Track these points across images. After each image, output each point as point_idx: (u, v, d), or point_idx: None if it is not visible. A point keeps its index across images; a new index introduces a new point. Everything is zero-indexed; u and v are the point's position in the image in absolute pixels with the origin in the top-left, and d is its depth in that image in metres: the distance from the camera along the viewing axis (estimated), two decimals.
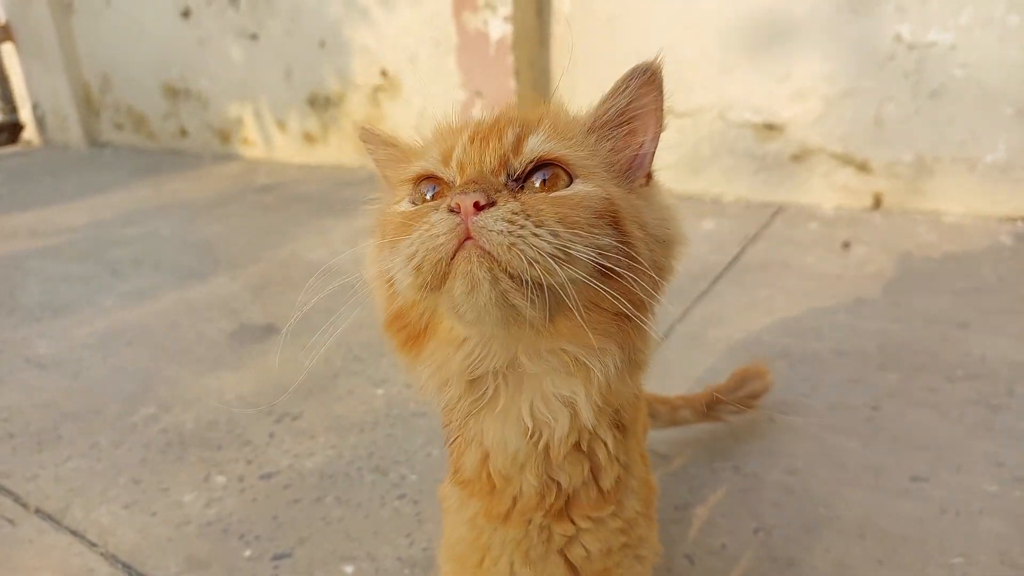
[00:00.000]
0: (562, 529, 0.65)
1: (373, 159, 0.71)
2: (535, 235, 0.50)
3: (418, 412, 1.46)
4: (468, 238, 0.50)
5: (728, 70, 2.73)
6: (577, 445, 0.61)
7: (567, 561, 0.67)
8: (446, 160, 0.59)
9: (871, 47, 2.45)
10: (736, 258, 2.22)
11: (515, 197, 0.53)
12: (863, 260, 2.14)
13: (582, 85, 3.07)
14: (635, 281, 0.54)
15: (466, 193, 0.51)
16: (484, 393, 0.59)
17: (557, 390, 0.57)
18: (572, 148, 0.59)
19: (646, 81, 0.60)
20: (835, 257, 2.18)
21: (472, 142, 0.58)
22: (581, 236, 0.52)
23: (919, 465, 1.20)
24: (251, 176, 3.88)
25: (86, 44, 4.90)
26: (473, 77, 3.14)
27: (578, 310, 0.52)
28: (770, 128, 2.72)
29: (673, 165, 2.94)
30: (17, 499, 1.26)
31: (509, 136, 0.57)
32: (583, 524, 0.65)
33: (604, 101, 0.63)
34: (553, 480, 0.63)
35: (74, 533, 1.16)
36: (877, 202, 2.60)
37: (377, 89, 3.65)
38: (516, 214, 0.50)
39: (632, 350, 0.57)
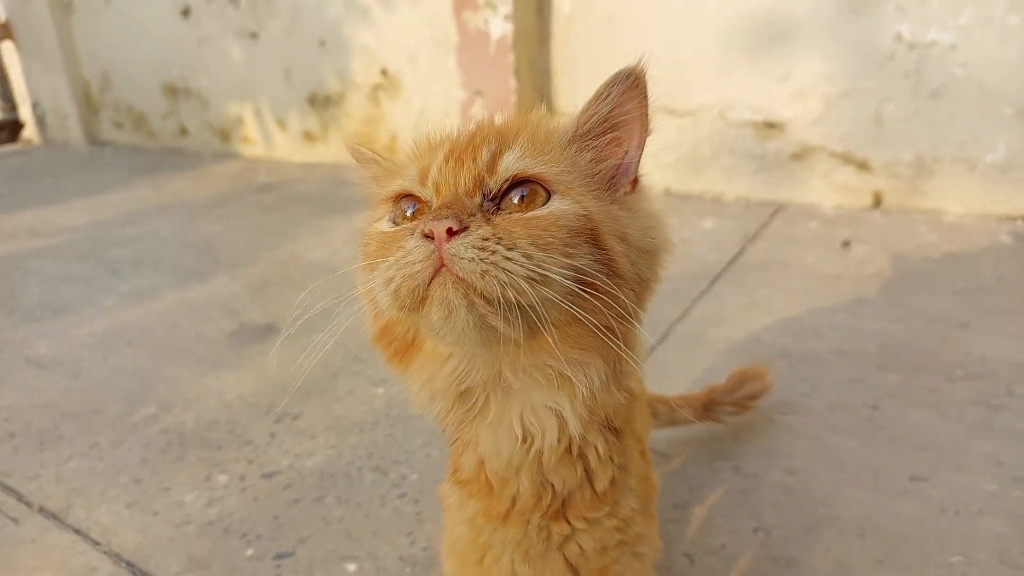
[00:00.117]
0: (559, 529, 0.66)
1: (362, 178, 0.71)
2: (507, 258, 0.50)
3: (418, 412, 1.46)
4: (443, 265, 0.51)
5: (728, 69, 2.73)
6: (569, 450, 0.62)
7: (566, 559, 0.68)
8: (423, 179, 0.59)
9: (871, 47, 2.46)
10: (736, 257, 2.22)
11: (488, 220, 0.53)
12: (863, 260, 2.14)
13: (582, 84, 3.08)
14: (616, 295, 0.55)
15: (439, 219, 0.51)
16: (474, 404, 0.60)
17: (544, 401, 0.58)
18: (549, 163, 0.58)
19: (629, 86, 0.59)
20: (835, 256, 2.19)
21: (447, 162, 0.57)
22: (555, 257, 0.52)
23: (919, 465, 1.20)
24: (251, 175, 3.88)
25: (86, 43, 4.89)
26: (473, 76, 3.14)
27: (557, 327, 0.53)
28: (770, 127, 2.72)
29: (673, 164, 2.94)
30: (20, 498, 1.26)
31: (484, 155, 0.57)
32: (578, 524, 0.66)
33: (586, 109, 0.61)
34: (548, 483, 0.63)
35: (77, 532, 1.17)
36: (877, 201, 2.60)
37: (377, 88, 3.65)
38: (487, 239, 0.51)
39: (617, 361, 0.57)
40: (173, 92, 4.60)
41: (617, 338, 0.55)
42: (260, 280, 2.29)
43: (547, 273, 0.51)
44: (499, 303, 0.50)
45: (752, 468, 1.22)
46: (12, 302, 2.22)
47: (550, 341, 0.54)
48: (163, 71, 4.56)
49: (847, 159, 2.62)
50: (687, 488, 1.18)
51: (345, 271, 0.63)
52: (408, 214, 0.60)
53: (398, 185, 0.62)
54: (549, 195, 0.56)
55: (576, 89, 3.11)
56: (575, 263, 0.53)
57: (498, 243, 0.51)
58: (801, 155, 2.70)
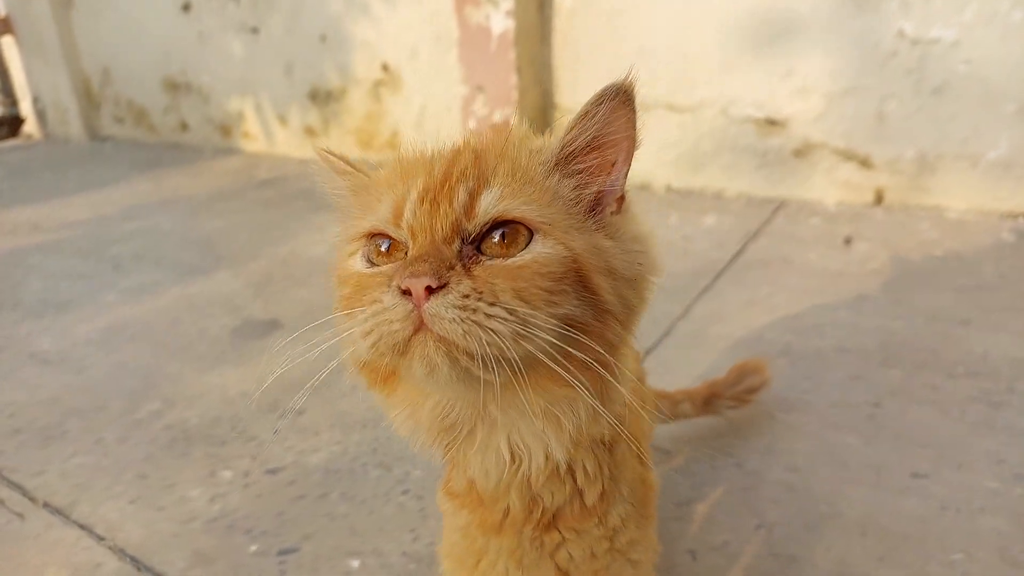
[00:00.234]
0: (550, 538, 0.67)
1: (334, 186, 0.67)
2: (489, 315, 0.49)
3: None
4: (423, 323, 0.50)
5: (730, 66, 2.72)
6: (557, 469, 0.62)
7: (557, 566, 0.68)
8: (396, 218, 0.56)
9: (874, 44, 2.45)
10: (737, 254, 2.23)
11: (468, 271, 0.51)
12: (865, 256, 2.15)
13: (584, 80, 3.07)
14: (601, 332, 0.54)
15: (416, 276, 0.49)
16: (459, 433, 0.59)
17: (530, 431, 0.58)
18: (530, 198, 0.55)
19: (619, 103, 0.56)
20: (837, 253, 2.19)
21: (422, 203, 0.55)
22: (540, 309, 0.51)
23: (920, 462, 1.20)
24: (252, 170, 3.88)
25: (86, 38, 4.88)
26: (475, 72, 3.13)
27: (542, 367, 0.52)
28: (772, 124, 2.72)
29: (674, 161, 2.94)
30: (25, 493, 1.27)
31: (461, 196, 0.54)
32: (568, 535, 0.66)
33: (571, 128, 0.58)
34: (538, 498, 0.64)
35: (82, 527, 1.17)
36: (879, 198, 2.60)
37: (378, 84, 3.64)
38: (468, 296, 0.49)
39: (604, 390, 0.56)
40: (174, 87, 4.59)
41: (605, 367, 0.54)
42: (262, 276, 2.29)
43: (531, 330, 0.50)
44: (482, 358, 0.49)
45: (754, 465, 1.23)
46: (14, 298, 2.22)
47: (537, 380, 0.53)
48: (164, 66, 4.55)
49: (849, 156, 2.61)
50: (689, 485, 1.19)
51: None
52: (383, 249, 0.57)
53: (370, 224, 0.59)
54: (531, 232, 0.54)
55: (578, 84, 3.11)
56: (561, 311, 0.52)
57: (479, 299, 0.49)
58: (803, 152, 2.70)
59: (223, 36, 4.15)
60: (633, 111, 0.57)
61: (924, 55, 2.39)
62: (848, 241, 2.28)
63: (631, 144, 0.59)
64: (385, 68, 3.58)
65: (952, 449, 1.23)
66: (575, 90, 3.12)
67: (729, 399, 1.27)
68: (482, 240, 0.54)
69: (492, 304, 0.50)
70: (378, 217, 0.58)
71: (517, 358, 0.50)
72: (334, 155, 0.67)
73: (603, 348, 0.54)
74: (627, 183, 0.62)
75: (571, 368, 0.52)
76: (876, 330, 1.68)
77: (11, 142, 5.39)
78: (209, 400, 1.55)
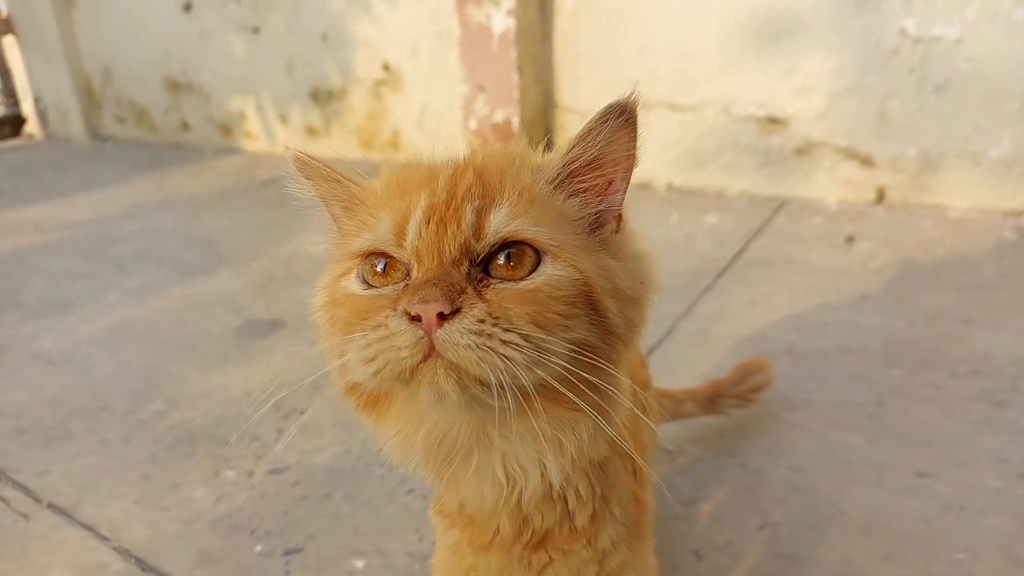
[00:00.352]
0: (537, 558, 0.66)
1: (312, 191, 0.64)
2: (504, 342, 0.48)
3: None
4: (433, 349, 0.48)
5: (731, 64, 2.72)
6: (549, 491, 0.61)
7: None
8: (399, 238, 0.53)
9: (876, 42, 2.45)
10: (739, 253, 2.23)
11: (480, 295, 0.50)
12: (867, 255, 2.15)
13: (585, 79, 3.07)
14: (609, 354, 0.54)
15: (427, 302, 0.47)
16: (454, 456, 0.58)
17: (528, 454, 0.57)
18: (538, 218, 0.54)
19: (623, 122, 0.55)
20: (839, 252, 2.19)
21: (428, 223, 0.52)
22: (555, 335, 0.50)
23: (923, 462, 1.21)
24: (253, 170, 3.88)
25: (87, 37, 4.88)
26: (476, 71, 3.13)
27: (548, 391, 0.51)
28: (774, 122, 2.72)
29: (676, 160, 2.94)
30: (30, 493, 1.27)
31: (468, 216, 0.52)
32: (555, 555, 0.66)
33: (574, 146, 0.56)
34: (528, 520, 0.64)
35: (86, 528, 1.17)
36: (880, 196, 2.60)
37: (379, 83, 3.64)
38: (483, 322, 0.48)
39: (605, 410, 0.55)
40: (175, 87, 4.59)
41: (609, 384, 0.54)
42: (264, 276, 2.29)
43: (546, 357, 0.49)
44: (494, 385, 0.48)
45: (758, 465, 1.23)
46: (17, 298, 2.22)
47: (542, 404, 0.52)
48: (165, 66, 4.55)
49: (851, 154, 2.61)
50: (694, 485, 1.19)
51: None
52: (379, 269, 0.55)
53: (369, 242, 0.55)
54: (538, 255, 0.53)
55: (579, 84, 3.10)
56: (574, 336, 0.51)
57: (494, 324, 0.48)
58: (805, 150, 2.69)
59: (224, 35, 4.15)
60: (635, 129, 0.56)
61: (926, 53, 2.38)
62: (850, 240, 2.28)
63: (631, 162, 0.58)
64: (386, 67, 3.58)
65: (955, 448, 1.23)
66: (576, 89, 3.12)
67: (733, 398, 1.27)
68: (488, 261, 0.53)
69: (507, 330, 0.48)
70: (377, 236, 0.55)
71: (530, 385, 0.49)
72: (316, 160, 0.62)
73: (607, 367, 0.54)
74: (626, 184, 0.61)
75: (579, 391, 0.51)
76: (878, 329, 1.68)
77: (13, 142, 5.39)
78: (212, 400, 1.56)
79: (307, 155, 0.62)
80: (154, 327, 1.96)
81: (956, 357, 1.53)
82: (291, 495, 1.23)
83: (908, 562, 1.00)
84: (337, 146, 3.96)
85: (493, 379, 0.47)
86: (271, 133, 4.24)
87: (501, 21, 2.97)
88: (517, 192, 0.55)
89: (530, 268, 0.52)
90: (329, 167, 0.62)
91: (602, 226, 0.59)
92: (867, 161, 2.59)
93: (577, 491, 0.63)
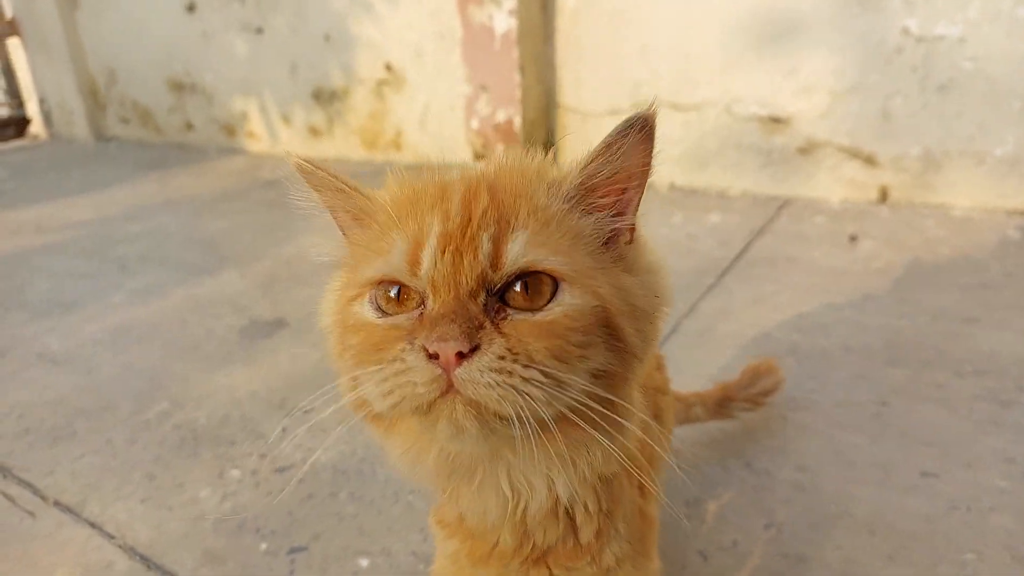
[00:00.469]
0: (537, 573, 0.65)
1: (309, 200, 0.62)
2: (524, 379, 0.47)
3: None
4: (451, 386, 0.48)
5: (734, 64, 2.72)
6: (555, 507, 0.60)
7: None
8: (413, 267, 0.52)
9: (878, 41, 2.45)
10: (742, 252, 2.22)
11: (498, 328, 0.49)
12: (870, 254, 2.14)
13: (587, 79, 3.07)
14: (624, 374, 0.53)
15: (445, 340, 0.47)
16: (459, 472, 0.58)
17: (536, 468, 0.56)
18: (556, 243, 0.52)
19: (644, 136, 0.53)
20: (842, 251, 2.18)
21: (443, 253, 0.51)
22: (575, 368, 0.50)
23: (928, 461, 1.20)
24: (256, 170, 3.89)
25: (91, 38, 4.89)
26: (478, 71, 3.13)
27: (560, 424, 0.51)
28: (776, 122, 2.72)
29: (678, 159, 2.94)
30: (36, 491, 1.27)
31: (485, 246, 0.51)
32: (557, 572, 0.65)
33: (592, 160, 0.55)
34: (530, 535, 0.63)
35: (92, 526, 1.18)
36: (884, 195, 2.60)
37: (382, 83, 3.65)
38: (502, 358, 0.47)
39: (622, 427, 0.55)
40: (178, 87, 4.60)
41: (624, 402, 0.54)
42: (267, 276, 2.29)
43: (566, 390, 0.49)
44: (513, 419, 0.48)
45: (763, 465, 1.23)
46: (21, 298, 2.23)
47: (556, 431, 0.52)
48: (168, 66, 4.56)
49: (854, 154, 2.61)
50: (699, 485, 1.19)
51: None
52: (392, 296, 0.53)
53: (382, 272, 0.53)
54: (555, 280, 0.52)
55: (580, 83, 3.10)
56: (593, 365, 0.51)
57: (514, 361, 0.48)
58: (807, 150, 2.69)
59: (227, 36, 4.16)
60: (653, 142, 0.55)
61: (929, 52, 2.38)
62: (853, 239, 2.27)
63: (647, 174, 0.57)
64: (389, 67, 3.59)
65: (960, 448, 1.23)
66: (578, 89, 3.12)
67: (743, 402, 1.26)
68: (505, 289, 0.51)
69: (527, 366, 0.48)
70: (391, 265, 0.53)
71: (548, 417, 0.49)
72: (320, 169, 0.59)
73: (624, 387, 0.54)
74: None
75: (596, 416, 0.51)
76: (882, 328, 1.67)
77: (17, 143, 5.41)
78: (217, 400, 1.56)
79: (311, 163, 0.60)
80: (158, 327, 1.97)
81: (960, 356, 1.53)
82: (296, 494, 1.23)
83: (913, 562, 1.00)
84: (340, 146, 3.96)
85: (513, 415, 0.47)
86: (274, 133, 4.25)
87: (503, 21, 2.97)
88: (533, 215, 0.53)
89: (548, 296, 0.51)
90: (334, 175, 0.60)
91: (616, 238, 0.58)
92: (870, 160, 2.59)
93: (585, 506, 0.62)
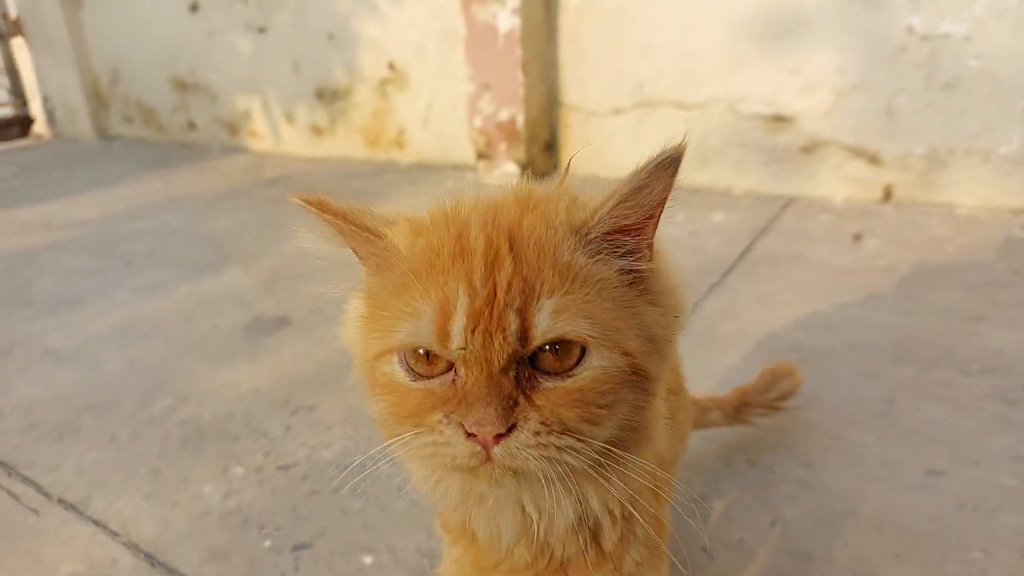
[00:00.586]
0: None
1: (327, 230, 0.59)
2: (560, 448, 0.50)
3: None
4: (490, 458, 0.51)
5: (738, 62, 2.71)
6: (579, 521, 0.60)
7: None
8: (442, 339, 0.51)
9: (883, 39, 2.44)
10: (746, 251, 2.22)
11: (531, 402, 0.51)
12: (874, 253, 2.14)
13: (590, 78, 3.06)
14: (647, 398, 0.55)
15: (482, 425, 0.49)
16: (474, 495, 0.59)
17: (571, 489, 0.56)
18: (582, 303, 0.51)
19: (671, 172, 0.51)
20: (846, 250, 2.18)
21: (473, 332, 0.50)
22: (603, 424, 0.52)
23: (935, 459, 1.20)
24: (259, 169, 3.89)
25: (95, 38, 4.91)
26: (481, 70, 3.13)
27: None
28: (780, 120, 2.71)
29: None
30: (40, 489, 1.27)
31: (513, 324, 0.50)
32: None
33: (623, 202, 0.52)
34: (547, 548, 0.62)
35: (96, 523, 1.18)
36: (888, 194, 2.59)
37: (385, 82, 3.65)
38: (538, 434, 0.50)
39: (647, 444, 0.58)
40: (182, 86, 4.61)
41: (648, 420, 0.56)
42: (271, 273, 2.29)
43: (596, 444, 0.52)
44: (551, 476, 0.51)
45: (768, 462, 1.22)
46: (27, 295, 2.23)
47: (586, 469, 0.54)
48: (172, 65, 4.57)
49: (858, 152, 2.60)
50: (704, 481, 1.18)
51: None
52: (422, 354, 0.53)
53: (411, 340, 0.52)
54: (584, 346, 0.52)
55: (583, 82, 3.10)
56: (622, 415, 0.54)
57: (549, 433, 0.50)
58: (811, 148, 2.68)
59: (231, 35, 4.16)
60: (677, 173, 0.52)
61: (934, 50, 2.37)
62: (858, 238, 2.27)
63: (668, 198, 0.55)
64: (392, 66, 3.59)
65: (967, 446, 1.22)
66: (581, 88, 3.12)
67: (760, 407, 1.23)
68: (535, 353, 0.52)
69: (562, 435, 0.50)
70: (419, 335, 0.52)
71: (580, 465, 0.52)
72: (332, 209, 0.57)
73: (648, 411, 0.56)
74: None
75: (625, 448, 0.55)
76: (887, 327, 1.67)
77: (21, 142, 5.42)
78: (222, 396, 1.56)
79: (323, 205, 0.57)
80: (162, 324, 1.97)
81: (967, 355, 1.52)
82: (300, 490, 1.23)
83: (921, 560, 0.99)
84: (342, 145, 3.97)
85: (552, 475, 0.51)
86: (277, 132, 4.25)
87: (506, 20, 2.97)
88: (559, 274, 0.52)
89: (577, 356, 0.52)
90: (343, 216, 0.57)
91: (640, 272, 0.56)
92: (874, 159, 2.58)
93: (611, 514, 0.62)
